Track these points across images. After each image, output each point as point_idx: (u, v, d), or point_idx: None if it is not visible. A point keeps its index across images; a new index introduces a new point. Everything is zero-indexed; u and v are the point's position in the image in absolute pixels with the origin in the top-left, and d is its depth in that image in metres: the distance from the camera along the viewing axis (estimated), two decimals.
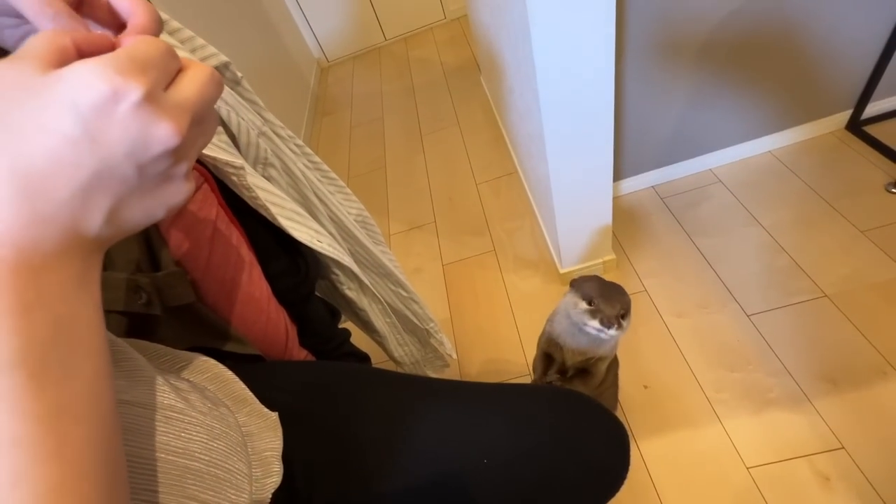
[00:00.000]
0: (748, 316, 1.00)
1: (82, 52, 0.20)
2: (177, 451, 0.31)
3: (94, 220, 0.20)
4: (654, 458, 0.86)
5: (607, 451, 0.46)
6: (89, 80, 0.18)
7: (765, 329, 0.97)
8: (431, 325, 0.86)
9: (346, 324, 0.80)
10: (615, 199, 1.34)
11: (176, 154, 0.20)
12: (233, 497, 0.33)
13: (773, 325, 0.97)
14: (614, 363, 0.79)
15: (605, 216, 1.04)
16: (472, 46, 2.30)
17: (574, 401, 0.48)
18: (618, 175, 1.30)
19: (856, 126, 1.23)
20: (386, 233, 1.52)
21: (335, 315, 0.69)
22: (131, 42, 0.20)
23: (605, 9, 0.69)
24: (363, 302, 0.70)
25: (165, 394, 0.34)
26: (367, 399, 0.46)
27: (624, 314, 0.63)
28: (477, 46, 1.94)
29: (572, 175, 0.92)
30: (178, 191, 0.22)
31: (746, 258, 1.09)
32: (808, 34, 1.06)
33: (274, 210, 0.50)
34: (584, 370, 0.72)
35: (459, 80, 2.14)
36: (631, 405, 0.93)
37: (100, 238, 0.20)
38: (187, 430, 0.33)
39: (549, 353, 0.76)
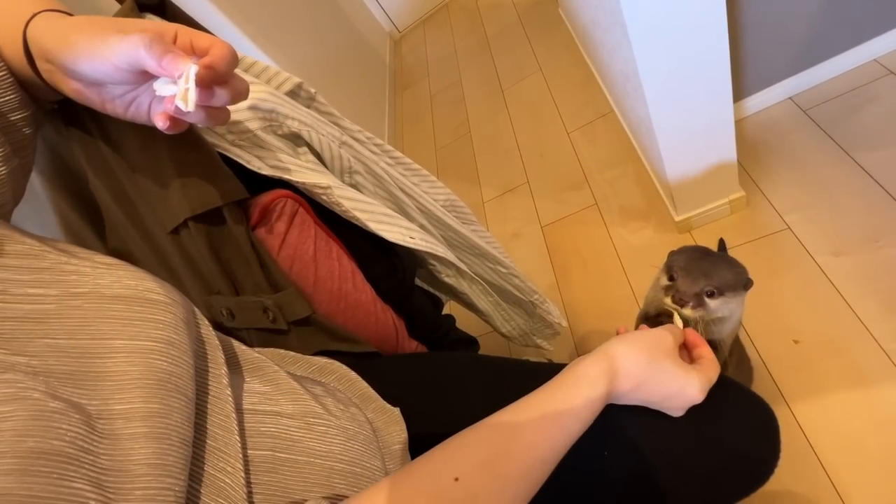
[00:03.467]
0: None
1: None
2: (322, 454, 0.35)
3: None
4: (814, 424, 0.75)
5: (753, 440, 0.41)
6: (696, 393, 0.36)
7: None
8: (536, 296, 0.84)
9: (451, 305, 0.82)
10: (739, 121, 1.13)
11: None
12: None
13: None
14: (736, 341, 0.69)
15: (727, 149, 0.89)
16: None
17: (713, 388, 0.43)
18: (740, 93, 1.09)
19: None
20: (479, 201, 1.51)
21: (437, 305, 0.71)
22: (708, 366, 0.39)
23: None
24: (463, 286, 0.71)
25: (306, 402, 0.38)
26: (476, 392, 0.47)
27: (712, 292, 0.53)
28: None
29: (680, 112, 0.79)
30: None
31: None
32: None
33: (363, 217, 0.52)
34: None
35: (536, 18, 1.96)
36: (777, 364, 0.82)
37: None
38: (327, 433, 0.37)
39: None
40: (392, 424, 0.45)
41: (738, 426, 0.40)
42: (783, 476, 0.73)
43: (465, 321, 0.86)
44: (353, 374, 0.49)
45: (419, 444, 0.45)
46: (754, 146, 1.07)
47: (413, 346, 0.62)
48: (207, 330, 0.34)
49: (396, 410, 0.46)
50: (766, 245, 0.94)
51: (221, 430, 0.29)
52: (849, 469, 0.70)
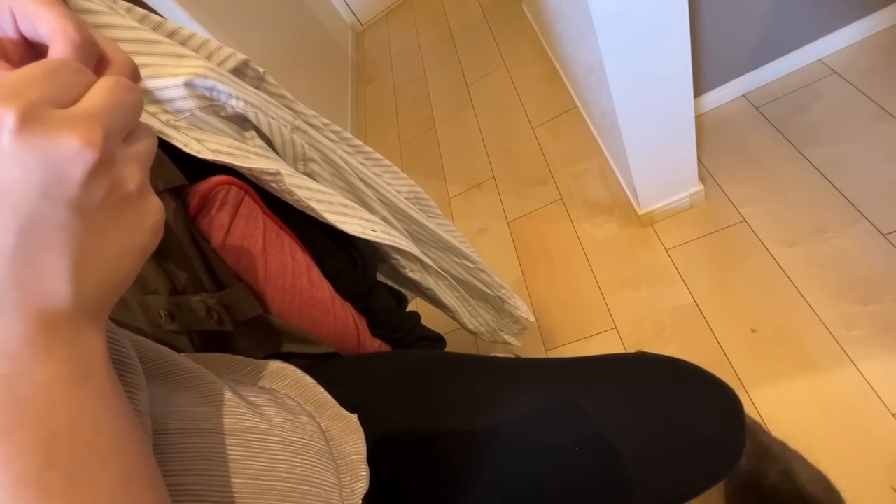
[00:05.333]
0: (884, 235, 0.83)
1: None
2: (263, 474, 0.32)
3: (57, 288, 0.16)
4: (772, 410, 0.77)
5: (719, 426, 0.40)
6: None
7: None
8: (503, 291, 0.82)
9: (417, 302, 0.79)
10: (697, 117, 1.16)
11: (105, 170, 0.17)
12: None
13: None
14: None
15: (687, 143, 0.90)
16: None
17: (675, 372, 0.43)
18: (698, 90, 1.12)
19: None
20: (445, 196, 1.48)
21: (401, 302, 0.68)
22: None
23: None
24: (428, 281, 0.68)
25: (245, 416, 0.34)
26: (443, 393, 0.45)
27: None
28: None
29: (643, 103, 0.80)
30: (144, 211, 0.18)
31: (878, 164, 0.89)
32: None
33: (319, 207, 0.48)
34: None
35: (499, 13, 1.95)
36: (737, 352, 0.84)
37: (79, 306, 0.17)
38: (270, 450, 0.33)
39: None
40: (349, 433, 0.41)
41: (705, 413, 0.40)
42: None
43: (431, 318, 0.83)
44: (308, 379, 0.45)
45: (382, 448, 0.42)
46: (711, 141, 1.10)
47: (376, 345, 0.59)
48: (118, 347, 0.29)
49: (354, 417, 0.43)
50: (723, 237, 0.97)
51: None
52: (803, 450, 0.72)
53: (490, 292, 0.79)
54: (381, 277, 0.71)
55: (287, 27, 1.82)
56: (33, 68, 0.17)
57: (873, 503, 0.66)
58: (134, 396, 0.28)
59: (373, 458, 0.40)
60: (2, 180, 0.15)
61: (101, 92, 0.17)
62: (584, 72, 1.00)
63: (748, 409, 0.78)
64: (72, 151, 0.15)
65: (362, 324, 0.57)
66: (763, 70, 1.09)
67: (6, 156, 0.15)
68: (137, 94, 0.19)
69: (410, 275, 0.65)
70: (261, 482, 0.31)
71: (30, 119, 0.15)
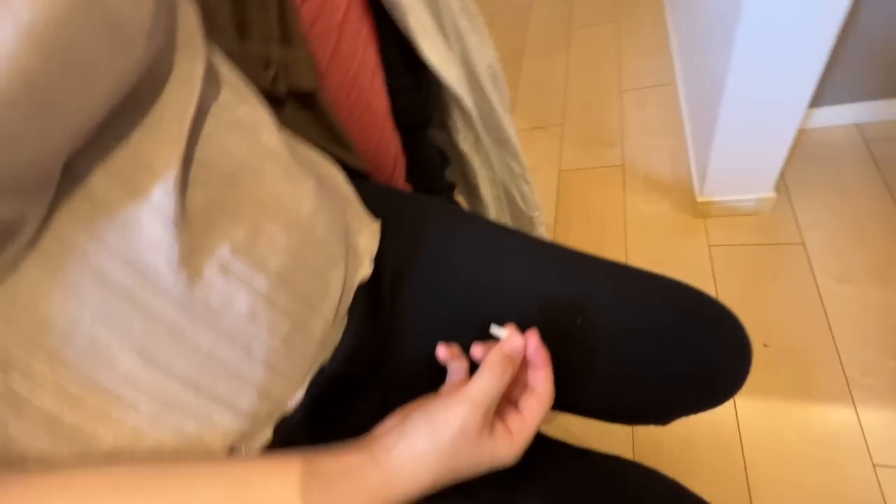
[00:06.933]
0: None
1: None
2: (289, 206, 0.31)
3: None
4: (751, 418, 0.75)
5: (726, 353, 0.39)
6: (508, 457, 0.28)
7: None
8: (537, 213, 0.79)
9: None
10: (799, 130, 1.07)
11: None
12: (329, 274, 0.33)
13: None
14: None
15: (780, 148, 0.84)
16: None
17: (696, 295, 0.41)
18: (812, 101, 1.02)
19: None
20: None
21: (445, 159, 0.66)
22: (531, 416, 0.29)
23: None
24: (475, 161, 0.66)
25: (286, 156, 0.33)
26: (461, 236, 0.44)
27: None
28: None
29: (758, 84, 0.73)
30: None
31: None
32: None
33: (413, 23, 0.46)
34: None
35: None
36: None
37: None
38: (300, 190, 0.32)
39: None
40: (365, 230, 0.41)
41: (713, 334, 0.39)
42: (704, 455, 0.74)
43: None
44: (341, 176, 0.44)
45: (396, 266, 0.41)
46: (803, 155, 1.02)
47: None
48: (189, 19, 0.27)
49: (376, 224, 0.42)
50: (773, 251, 0.92)
51: (170, 114, 0.24)
52: (766, 470, 0.71)
53: (524, 209, 0.77)
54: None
55: None
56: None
57: None
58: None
59: (382, 262, 0.39)
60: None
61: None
62: (707, 29, 0.91)
63: (729, 412, 0.76)
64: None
65: (401, 161, 0.55)
66: (888, 103, 0.99)
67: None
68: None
69: (462, 144, 0.63)
70: (286, 204, 0.30)
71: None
